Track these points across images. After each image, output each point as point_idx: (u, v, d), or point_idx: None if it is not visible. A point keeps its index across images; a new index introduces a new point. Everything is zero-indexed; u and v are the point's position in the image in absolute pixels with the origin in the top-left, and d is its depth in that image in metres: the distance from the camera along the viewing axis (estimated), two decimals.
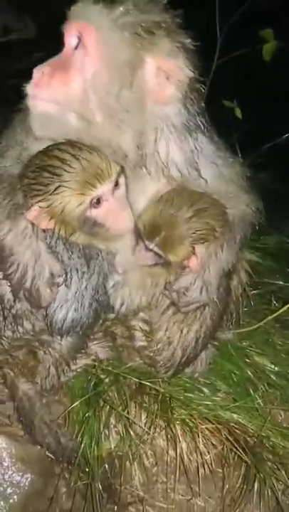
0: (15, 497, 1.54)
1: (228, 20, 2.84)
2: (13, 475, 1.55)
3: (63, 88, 1.31)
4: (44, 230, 1.40)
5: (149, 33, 1.28)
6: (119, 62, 1.28)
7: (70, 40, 1.33)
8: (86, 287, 1.46)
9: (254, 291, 2.17)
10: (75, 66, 1.31)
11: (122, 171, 1.37)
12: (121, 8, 1.27)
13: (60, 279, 1.44)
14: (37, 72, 1.33)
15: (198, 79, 1.38)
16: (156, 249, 1.45)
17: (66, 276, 1.44)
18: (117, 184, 1.36)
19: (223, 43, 2.84)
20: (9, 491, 1.54)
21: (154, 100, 1.33)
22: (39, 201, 1.34)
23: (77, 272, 1.45)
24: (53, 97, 1.32)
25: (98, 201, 1.35)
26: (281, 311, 1.91)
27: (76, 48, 1.32)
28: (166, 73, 1.31)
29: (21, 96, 1.36)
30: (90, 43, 1.28)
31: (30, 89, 1.33)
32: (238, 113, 2.81)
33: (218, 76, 2.83)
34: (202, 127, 1.43)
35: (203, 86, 1.42)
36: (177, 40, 1.32)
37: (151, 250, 1.46)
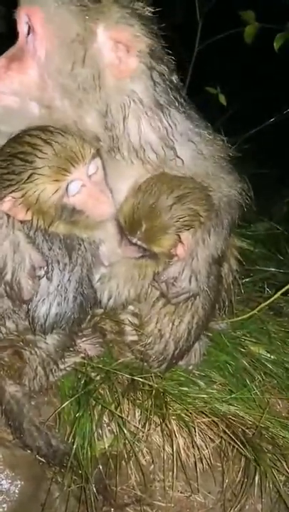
0: (4, 505, 1.49)
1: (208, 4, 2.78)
2: (2, 482, 1.50)
3: (20, 77, 1.26)
4: (21, 222, 1.33)
5: (94, 1, 1.21)
6: (69, 38, 1.22)
7: (22, 27, 1.27)
8: (69, 280, 1.40)
9: (246, 279, 2.15)
10: (29, 52, 1.26)
11: (98, 152, 1.31)
12: None
13: (42, 272, 1.38)
14: None
15: (163, 49, 1.31)
16: (139, 242, 1.40)
17: (47, 268, 1.38)
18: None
19: (203, 28, 2.79)
20: None
21: (116, 75, 1.26)
22: (13, 191, 1.28)
23: (59, 263, 1.39)
24: (11, 88, 1.27)
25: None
26: (274, 297, 1.88)
27: (28, 34, 1.26)
28: (125, 45, 1.23)
29: None
30: (37, 24, 1.23)
31: None
32: (222, 99, 2.77)
33: (201, 62, 2.78)
34: (176, 103, 1.35)
35: (172, 59, 1.35)
36: (127, 6, 1.24)
37: (134, 244, 1.41)
